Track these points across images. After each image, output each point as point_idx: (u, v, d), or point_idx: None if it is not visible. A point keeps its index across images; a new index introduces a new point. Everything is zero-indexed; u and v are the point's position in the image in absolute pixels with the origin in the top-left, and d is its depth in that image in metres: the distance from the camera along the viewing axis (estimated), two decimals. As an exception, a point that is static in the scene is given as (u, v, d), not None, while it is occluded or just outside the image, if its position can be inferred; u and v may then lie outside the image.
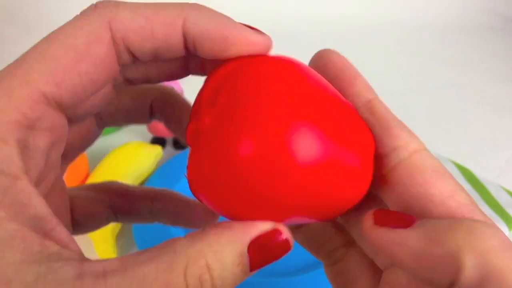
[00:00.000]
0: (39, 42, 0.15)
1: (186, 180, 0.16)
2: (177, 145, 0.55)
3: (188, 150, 0.21)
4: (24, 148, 0.14)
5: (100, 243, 0.41)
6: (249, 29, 0.16)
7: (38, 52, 0.15)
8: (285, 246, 0.15)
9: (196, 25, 0.15)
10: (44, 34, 0.15)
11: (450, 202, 0.15)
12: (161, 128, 0.53)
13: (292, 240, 0.15)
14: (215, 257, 0.14)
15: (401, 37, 0.92)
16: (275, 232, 0.15)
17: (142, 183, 0.49)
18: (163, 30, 0.15)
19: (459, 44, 0.91)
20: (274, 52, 0.17)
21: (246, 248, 0.14)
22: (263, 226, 0.15)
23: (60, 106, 0.15)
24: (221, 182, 0.14)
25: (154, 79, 0.18)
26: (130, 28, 0.15)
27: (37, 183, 0.15)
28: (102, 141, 0.35)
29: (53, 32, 0.15)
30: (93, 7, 0.15)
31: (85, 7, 0.16)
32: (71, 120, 0.17)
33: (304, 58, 0.18)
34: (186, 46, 0.16)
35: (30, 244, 0.13)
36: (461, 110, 0.68)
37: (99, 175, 0.47)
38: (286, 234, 0.15)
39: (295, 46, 0.50)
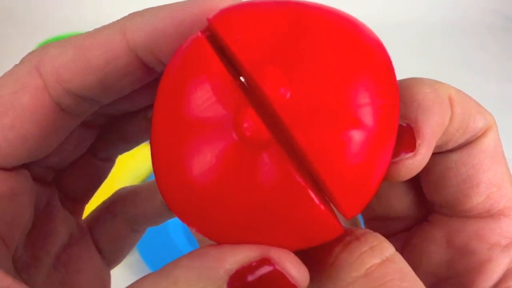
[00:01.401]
0: None
1: None
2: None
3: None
4: None
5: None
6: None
7: None
8: (283, 284, 0.11)
9: (140, 30, 0.13)
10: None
11: (494, 194, 0.15)
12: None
13: (301, 278, 0.11)
14: None
15: (401, 37, 0.91)
16: (263, 263, 0.11)
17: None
18: (100, 55, 0.13)
19: (460, 44, 0.91)
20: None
21: (224, 285, 0.11)
22: (243, 254, 0.11)
23: None
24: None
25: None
26: (60, 65, 0.13)
27: None
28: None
29: None
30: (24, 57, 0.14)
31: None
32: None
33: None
34: (144, 63, 0.13)
35: None
36: (461, 110, 0.68)
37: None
38: (285, 265, 0.11)
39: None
